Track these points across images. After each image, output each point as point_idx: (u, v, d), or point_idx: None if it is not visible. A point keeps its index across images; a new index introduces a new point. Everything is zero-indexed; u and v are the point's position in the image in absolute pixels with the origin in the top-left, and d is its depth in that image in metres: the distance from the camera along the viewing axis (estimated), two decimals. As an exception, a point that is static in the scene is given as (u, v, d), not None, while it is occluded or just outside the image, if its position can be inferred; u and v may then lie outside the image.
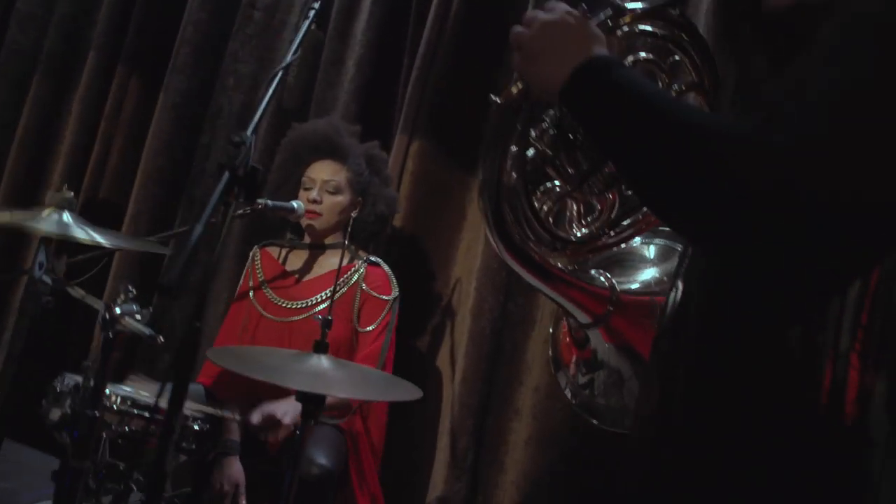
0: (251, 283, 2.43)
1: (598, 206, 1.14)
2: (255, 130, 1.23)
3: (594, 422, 1.35)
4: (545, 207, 1.11)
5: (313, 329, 2.27)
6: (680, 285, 0.96)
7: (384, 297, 2.35)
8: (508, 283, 2.64)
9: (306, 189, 2.37)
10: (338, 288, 2.31)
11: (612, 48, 0.98)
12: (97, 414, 1.52)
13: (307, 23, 1.49)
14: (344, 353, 2.27)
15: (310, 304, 2.33)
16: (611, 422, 1.32)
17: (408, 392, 1.74)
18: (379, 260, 2.40)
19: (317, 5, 1.53)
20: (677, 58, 1.11)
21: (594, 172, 1.08)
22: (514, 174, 1.04)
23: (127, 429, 1.78)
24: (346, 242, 2.38)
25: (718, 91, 1.11)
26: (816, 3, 0.90)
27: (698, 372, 0.88)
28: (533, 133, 1.07)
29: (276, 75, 1.40)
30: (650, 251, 1.28)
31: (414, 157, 2.83)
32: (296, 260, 2.46)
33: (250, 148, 1.17)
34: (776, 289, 0.81)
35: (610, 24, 1.02)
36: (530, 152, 1.07)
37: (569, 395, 1.39)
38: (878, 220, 0.74)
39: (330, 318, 1.78)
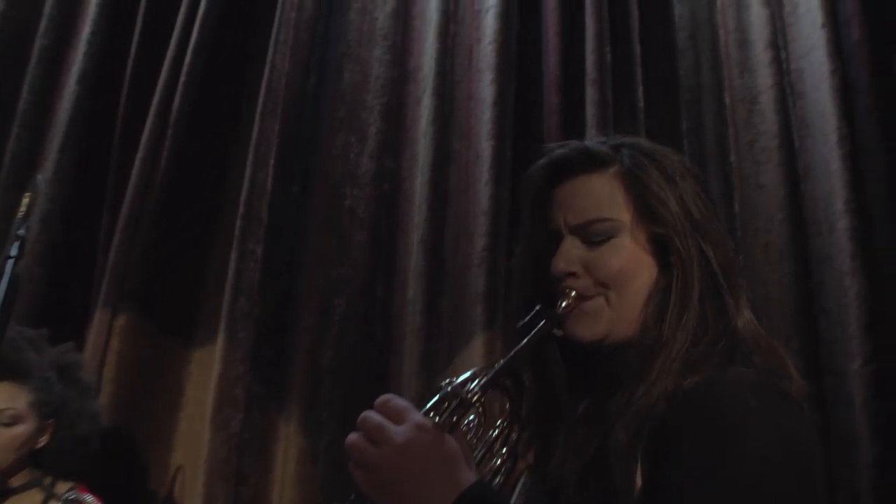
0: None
1: None
2: None
3: None
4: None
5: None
6: None
7: None
8: (239, 468, 2.47)
9: None
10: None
11: (464, 448, 0.97)
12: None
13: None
14: None
15: (5, 563, 1.91)
16: None
17: None
18: (79, 496, 2.01)
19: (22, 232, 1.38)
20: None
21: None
22: None
23: None
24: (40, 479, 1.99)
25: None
26: (618, 343, 1.07)
27: None
28: None
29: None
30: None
31: (119, 334, 2.51)
32: (-23, 510, 1.99)
33: None
34: None
35: (458, 417, 1.00)
36: None
37: None
38: None
39: None
